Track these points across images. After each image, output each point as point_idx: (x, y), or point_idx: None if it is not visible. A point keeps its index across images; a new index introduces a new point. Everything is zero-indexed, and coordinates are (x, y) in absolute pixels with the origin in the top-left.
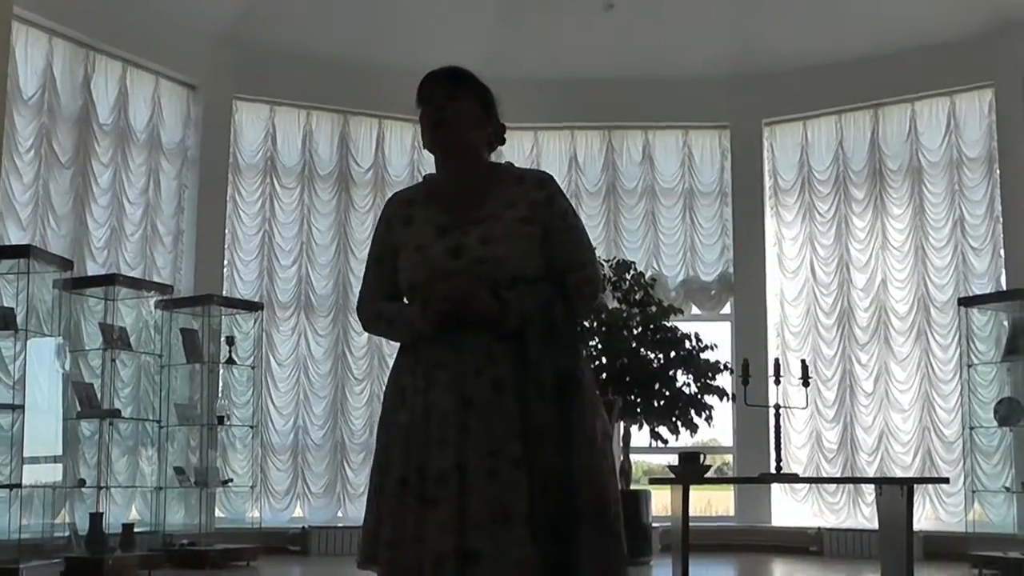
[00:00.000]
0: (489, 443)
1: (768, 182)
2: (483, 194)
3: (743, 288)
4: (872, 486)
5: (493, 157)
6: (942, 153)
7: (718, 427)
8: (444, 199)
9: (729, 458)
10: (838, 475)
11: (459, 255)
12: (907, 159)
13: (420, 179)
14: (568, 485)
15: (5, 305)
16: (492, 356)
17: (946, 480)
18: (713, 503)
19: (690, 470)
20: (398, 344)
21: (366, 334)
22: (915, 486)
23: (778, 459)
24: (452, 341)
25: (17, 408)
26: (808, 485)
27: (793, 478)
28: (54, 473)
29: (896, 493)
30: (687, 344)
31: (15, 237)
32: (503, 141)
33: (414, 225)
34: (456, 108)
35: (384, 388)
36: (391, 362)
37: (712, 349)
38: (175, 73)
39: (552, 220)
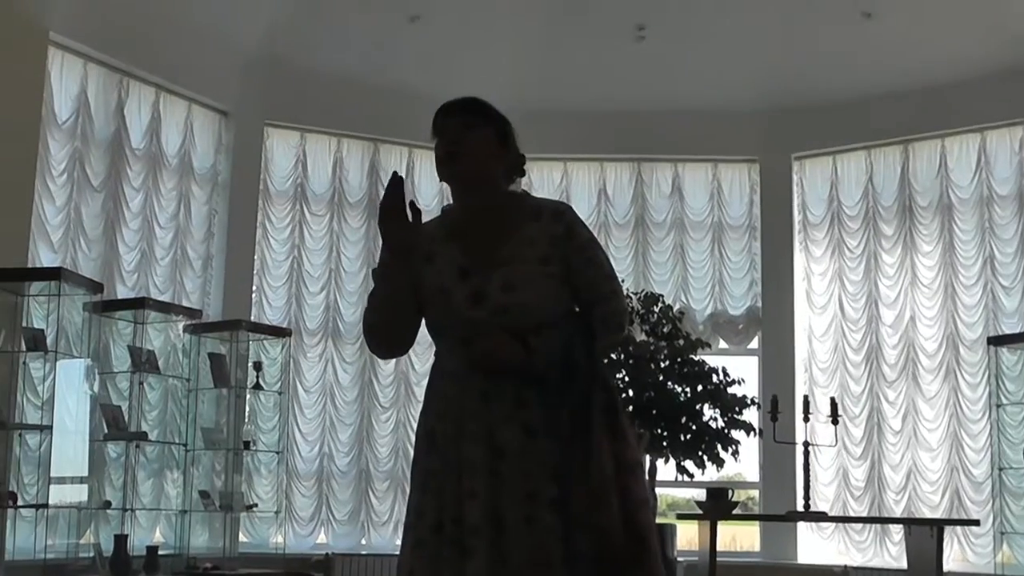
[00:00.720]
0: (525, 487)
1: (797, 217)
2: (503, 232)
3: (771, 323)
4: (901, 526)
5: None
6: (972, 190)
7: (743, 462)
8: (464, 237)
9: (754, 493)
10: (865, 513)
11: (481, 302)
12: (937, 195)
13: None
14: (573, 525)
15: (36, 327)
16: (521, 401)
17: (976, 522)
18: (738, 538)
19: (718, 505)
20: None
21: (393, 362)
22: (944, 528)
23: (807, 496)
24: (480, 390)
25: (45, 429)
26: (835, 523)
27: (821, 516)
28: (80, 494)
29: (926, 533)
30: (714, 378)
31: (46, 260)
32: (522, 173)
33: (435, 263)
34: (472, 139)
35: (417, 427)
36: (419, 392)
37: (739, 384)
38: (207, 99)
39: (573, 254)
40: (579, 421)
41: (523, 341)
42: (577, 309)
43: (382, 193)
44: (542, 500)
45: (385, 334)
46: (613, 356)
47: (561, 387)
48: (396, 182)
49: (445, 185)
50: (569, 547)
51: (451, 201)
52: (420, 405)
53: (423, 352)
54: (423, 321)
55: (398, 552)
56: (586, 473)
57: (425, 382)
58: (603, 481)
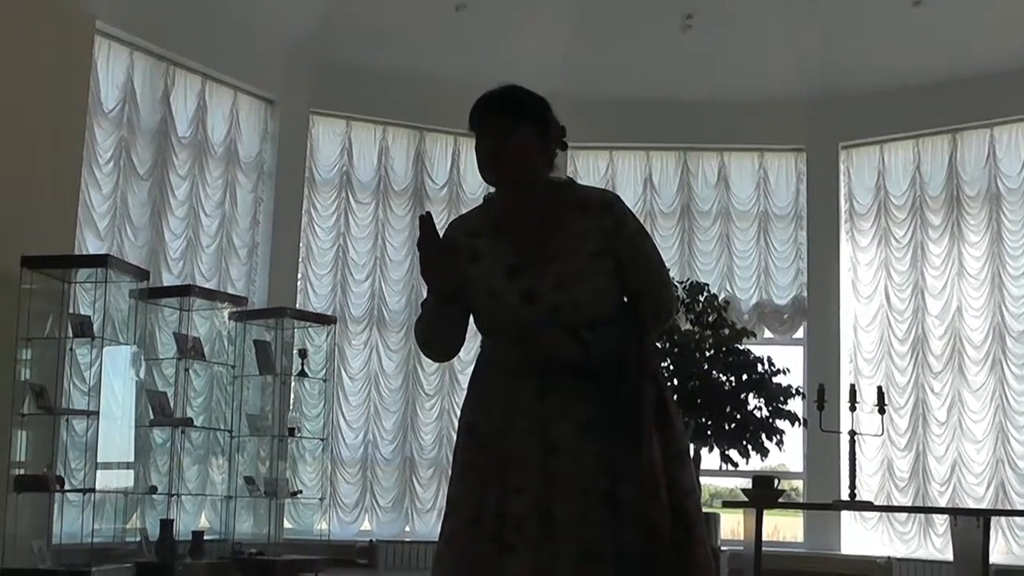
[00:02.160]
0: (579, 483)
1: (844, 206)
2: (551, 225)
3: (816, 313)
4: (945, 517)
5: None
6: (1021, 180)
7: (787, 452)
8: (511, 233)
9: (798, 484)
10: (909, 504)
11: (533, 301)
12: (985, 185)
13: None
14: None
15: (83, 313)
16: (576, 396)
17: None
18: (780, 529)
19: (764, 494)
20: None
21: None
22: (990, 518)
23: (852, 486)
24: (535, 386)
25: (92, 415)
26: (879, 513)
27: (867, 505)
28: (126, 479)
29: (972, 524)
30: (759, 368)
31: (93, 247)
32: (565, 146)
33: (482, 263)
34: (515, 144)
35: (459, 419)
36: (463, 379)
37: (784, 373)
38: (253, 88)
39: (623, 247)
40: (630, 414)
41: (576, 336)
42: (625, 299)
43: (427, 182)
44: (594, 495)
45: (439, 350)
46: (657, 344)
47: (614, 381)
48: (426, 222)
49: None
50: (617, 541)
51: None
52: (464, 393)
53: (468, 340)
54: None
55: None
56: (636, 467)
57: (470, 370)
58: (653, 475)
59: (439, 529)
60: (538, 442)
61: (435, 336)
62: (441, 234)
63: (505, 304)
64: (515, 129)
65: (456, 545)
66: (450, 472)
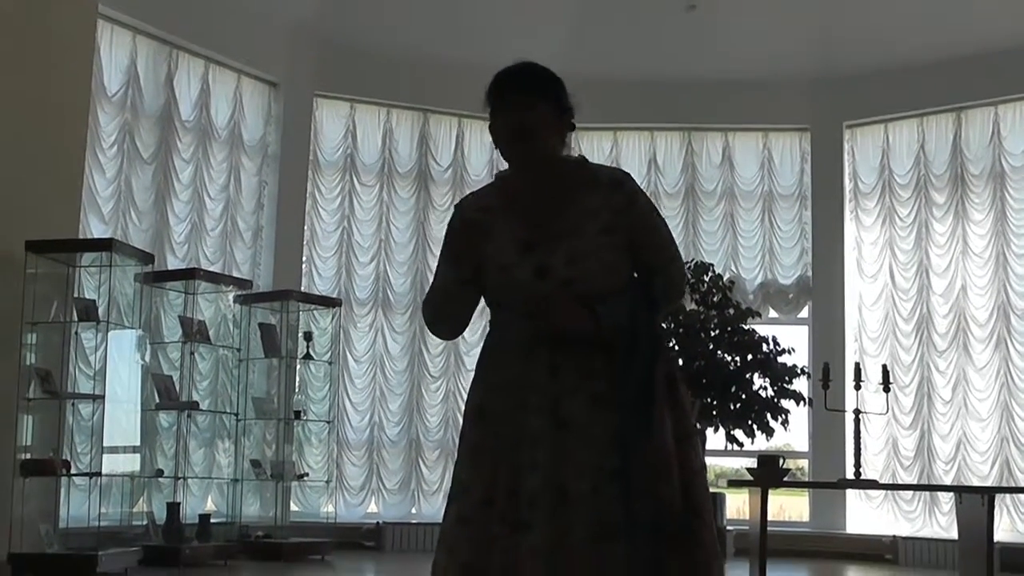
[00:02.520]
0: (591, 458)
1: (848, 185)
2: (562, 201)
3: (821, 292)
4: (950, 495)
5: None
6: None
7: (792, 432)
8: (524, 209)
9: (803, 463)
10: (914, 482)
11: (545, 276)
12: (989, 163)
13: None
14: (633, 496)
15: (87, 297)
16: (589, 371)
17: None
18: (786, 508)
19: (769, 473)
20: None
21: None
22: (995, 496)
23: (857, 465)
24: (547, 362)
25: (98, 398)
26: (884, 492)
27: (872, 484)
28: (132, 463)
29: (976, 502)
30: (764, 347)
31: (97, 231)
32: (573, 127)
33: (494, 238)
34: (536, 120)
35: (467, 400)
36: (468, 361)
37: (789, 353)
38: (256, 71)
39: (634, 223)
40: (642, 391)
41: (590, 309)
42: (636, 275)
43: (432, 164)
44: (606, 471)
45: (449, 330)
46: (663, 325)
47: (626, 356)
48: None
49: (495, 155)
50: (629, 518)
51: (502, 168)
52: (470, 375)
53: (473, 321)
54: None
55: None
56: (648, 444)
57: (476, 351)
58: (665, 453)
59: (444, 510)
60: (550, 418)
61: (445, 322)
62: (452, 211)
63: (517, 279)
64: (534, 105)
65: (469, 527)
66: (456, 453)
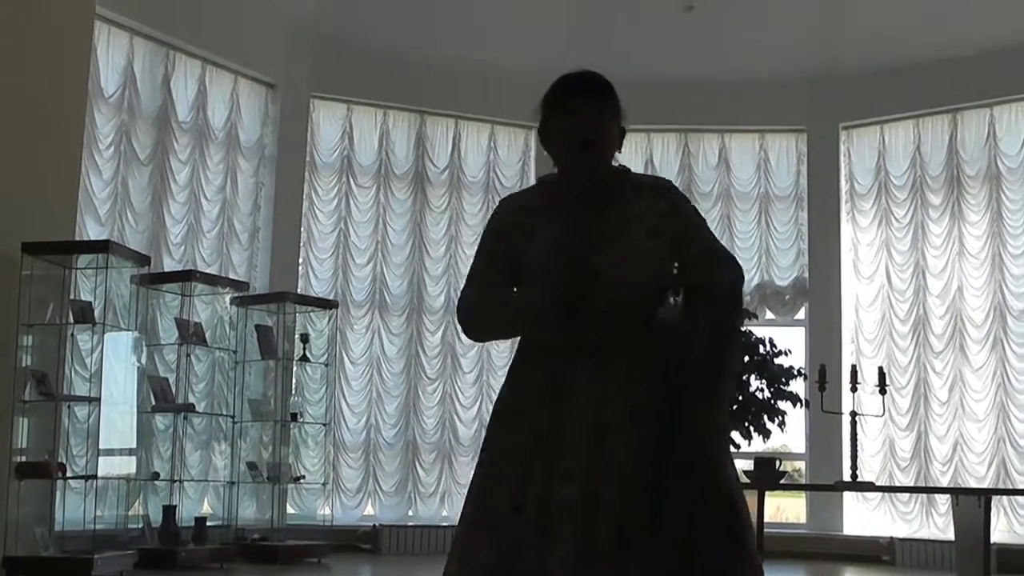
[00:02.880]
0: (625, 467)
1: (844, 187)
2: (607, 207)
3: (818, 293)
4: (947, 497)
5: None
6: (1021, 159)
7: (789, 434)
8: (570, 212)
9: (800, 465)
10: (911, 484)
11: (592, 278)
12: (985, 165)
13: (501, 178)
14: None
15: (83, 299)
16: (631, 378)
17: None
18: (783, 510)
19: (766, 475)
20: (494, 344)
21: (439, 334)
22: (991, 497)
23: (854, 467)
24: (589, 366)
25: (94, 401)
26: (881, 494)
27: (869, 486)
28: (128, 465)
29: (973, 504)
30: (761, 349)
31: (94, 232)
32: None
33: (538, 240)
34: (601, 129)
35: (499, 400)
36: (464, 364)
37: (786, 354)
38: (253, 72)
39: (679, 226)
40: (684, 397)
41: (634, 313)
42: (680, 276)
43: (428, 165)
44: (639, 480)
45: (491, 337)
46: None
47: (676, 361)
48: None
49: (491, 156)
50: (657, 528)
51: (501, 172)
52: (467, 377)
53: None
54: None
55: (445, 523)
56: (684, 454)
57: (471, 354)
58: (704, 465)
59: (461, 512)
60: (589, 425)
61: (492, 333)
62: (491, 213)
63: (562, 277)
64: (602, 113)
65: (493, 532)
66: (482, 455)
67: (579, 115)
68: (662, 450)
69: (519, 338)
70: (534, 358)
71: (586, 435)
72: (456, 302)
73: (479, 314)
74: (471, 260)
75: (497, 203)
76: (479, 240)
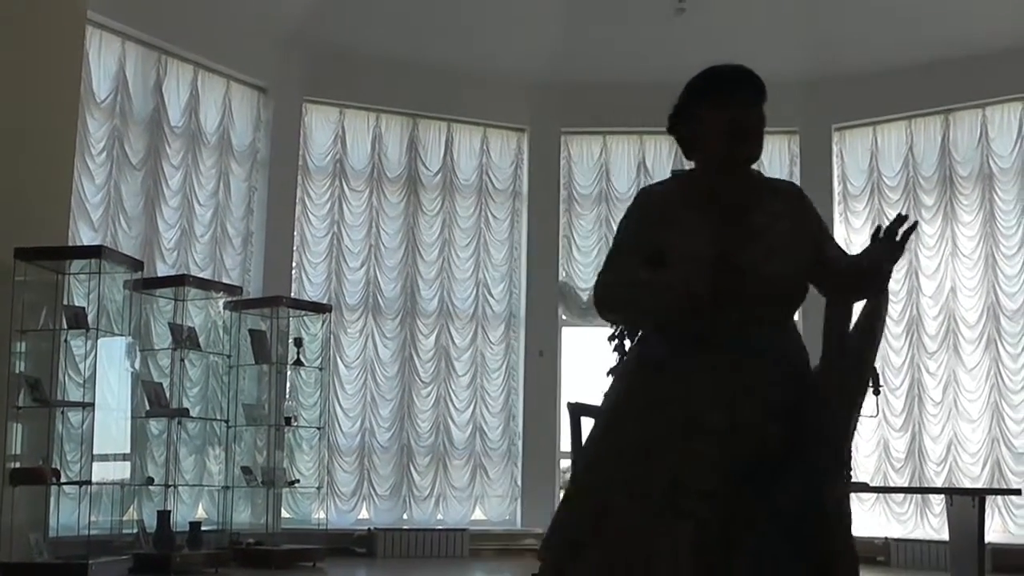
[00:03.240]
0: (745, 468)
1: (837, 187)
2: (749, 203)
3: (811, 294)
4: (941, 497)
5: None
6: (1014, 159)
7: None
8: (710, 205)
9: None
10: (905, 484)
11: (742, 269)
12: (978, 165)
13: (494, 181)
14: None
15: (77, 304)
16: (769, 378)
17: (1019, 492)
18: None
19: None
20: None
21: (433, 337)
22: (986, 497)
23: (848, 468)
24: (730, 360)
25: (87, 406)
26: (875, 495)
27: (863, 487)
28: (123, 471)
29: (967, 504)
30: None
31: (87, 238)
32: None
33: (682, 230)
34: (757, 122)
35: (619, 381)
36: (459, 367)
37: None
38: (245, 76)
39: (815, 230)
40: (827, 400)
41: (784, 310)
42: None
43: (421, 168)
44: (764, 472)
45: (631, 321)
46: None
47: (829, 364)
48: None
49: (484, 159)
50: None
51: (495, 175)
52: (460, 379)
53: (462, 327)
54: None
55: (439, 526)
56: (819, 456)
57: (466, 356)
58: (835, 468)
59: (563, 497)
60: (727, 416)
61: (632, 316)
62: (634, 207)
63: (714, 269)
64: (758, 107)
65: (619, 518)
66: (591, 443)
67: (742, 108)
68: (799, 448)
69: (653, 326)
70: (670, 346)
71: (721, 425)
72: (451, 304)
73: (617, 292)
74: (462, 260)
75: (635, 195)
76: (617, 230)
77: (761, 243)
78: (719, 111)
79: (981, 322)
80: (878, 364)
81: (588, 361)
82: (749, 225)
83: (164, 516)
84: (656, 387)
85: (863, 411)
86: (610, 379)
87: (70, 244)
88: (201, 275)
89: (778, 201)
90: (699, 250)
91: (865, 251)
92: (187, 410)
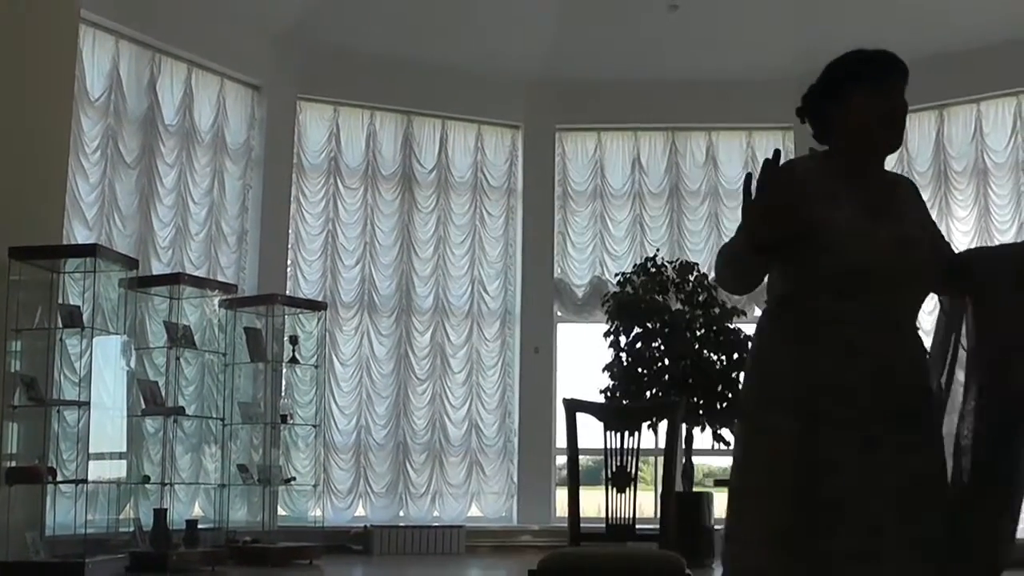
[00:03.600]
0: (934, 458)
1: None
2: (885, 190)
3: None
4: None
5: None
6: (1008, 154)
7: None
8: (849, 187)
9: None
10: None
11: (908, 248)
12: (972, 160)
13: (489, 178)
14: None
15: (72, 303)
16: (916, 361)
17: None
18: None
19: None
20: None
21: (428, 334)
22: None
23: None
24: (893, 341)
25: (83, 405)
26: None
27: None
28: (119, 469)
29: None
30: (750, 346)
31: (81, 236)
32: None
33: (823, 211)
34: (904, 108)
35: (762, 379)
36: (454, 364)
37: None
38: (239, 74)
39: (933, 227)
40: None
41: (920, 295)
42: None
43: (415, 166)
44: (936, 467)
45: (744, 287)
46: (649, 326)
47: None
48: (774, 162)
49: (478, 156)
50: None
51: (489, 172)
52: (455, 376)
53: (458, 324)
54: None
55: (436, 523)
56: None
57: (461, 354)
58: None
59: (738, 507)
60: (894, 407)
61: (744, 284)
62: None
63: (876, 246)
64: (904, 93)
65: (779, 514)
66: (744, 459)
67: (889, 92)
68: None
69: (773, 319)
70: (818, 332)
71: (885, 431)
72: (446, 301)
73: (727, 269)
74: (457, 257)
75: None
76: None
77: (900, 230)
78: (873, 97)
79: None
80: None
81: (583, 357)
82: (890, 212)
83: (160, 514)
84: (823, 384)
85: None
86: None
87: (65, 243)
88: (196, 273)
89: (902, 192)
90: (860, 225)
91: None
92: (183, 408)
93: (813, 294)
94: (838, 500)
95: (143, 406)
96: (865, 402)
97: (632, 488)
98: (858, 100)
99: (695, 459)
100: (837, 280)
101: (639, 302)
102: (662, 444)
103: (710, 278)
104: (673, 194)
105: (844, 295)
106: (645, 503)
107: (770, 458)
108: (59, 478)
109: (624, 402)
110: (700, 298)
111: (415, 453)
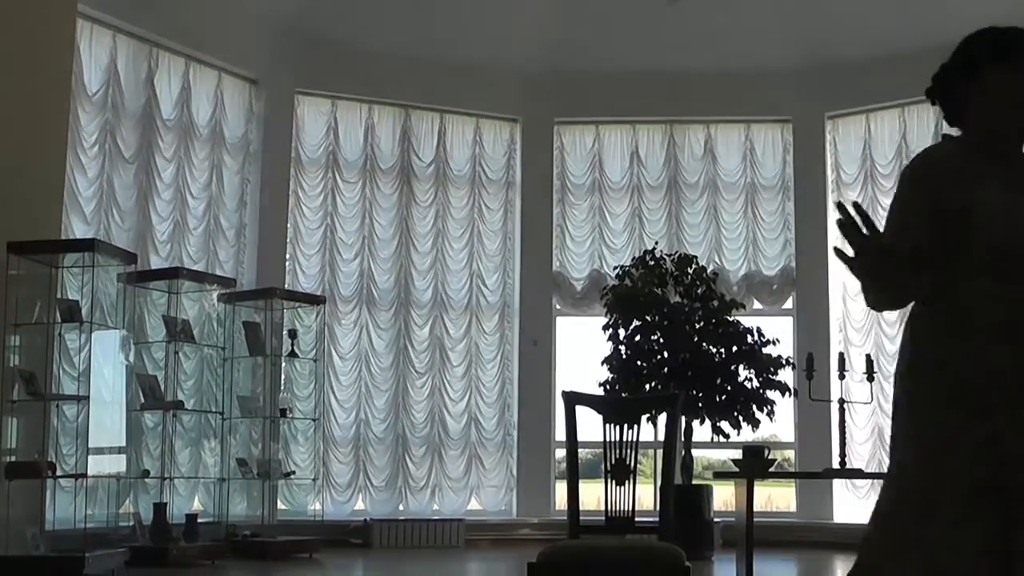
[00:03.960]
0: None
1: (831, 176)
2: (1021, 172)
3: (805, 283)
4: None
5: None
6: None
7: (778, 423)
8: (992, 170)
9: (790, 453)
10: None
11: None
12: None
13: (487, 171)
14: None
15: (70, 298)
16: None
17: None
18: (774, 499)
19: (754, 464)
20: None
21: (427, 328)
22: None
23: (843, 454)
24: None
25: (82, 399)
26: (871, 482)
27: (858, 473)
28: (118, 464)
29: None
30: (749, 339)
31: (80, 231)
32: None
33: (986, 184)
34: None
35: (924, 374)
36: (453, 357)
37: (774, 344)
38: (237, 68)
39: None
40: None
41: None
42: None
43: (414, 159)
44: None
45: (898, 306)
46: (648, 318)
47: None
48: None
49: (477, 150)
50: None
51: (488, 165)
52: (455, 370)
53: (457, 317)
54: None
55: (435, 517)
56: None
57: (460, 347)
58: None
59: (891, 516)
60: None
61: (893, 302)
62: (913, 168)
63: None
64: None
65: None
66: (904, 453)
67: None
68: None
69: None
70: (975, 316)
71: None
72: (444, 295)
73: (877, 292)
74: (455, 251)
75: (908, 166)
76: (895, 196)
77: None
78: (1011, 73)
79: None
80: (872, 351)
81: (582, 350)
82: None
83: (160, 508)
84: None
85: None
86: None
87: (63, 238)
88: (194, 268)
89: None
90: (1011, 203)
91: None
92: (182, 403)
93: (968, 278)
94: None
95: (142, 400)
96: None
97: (631, 481)
98: (995, 78)
99: (694, 452)
100: (993, 262)
101: (638, 295)
102: (661, 437)
103: (709, 270)
104: (672, 187)
105: (1002, 277)
106: (644, 496)
107: (952, 456)
108: (59, 473)
109: (623, 395)
110: (699, 291)
111: (414, 447)
